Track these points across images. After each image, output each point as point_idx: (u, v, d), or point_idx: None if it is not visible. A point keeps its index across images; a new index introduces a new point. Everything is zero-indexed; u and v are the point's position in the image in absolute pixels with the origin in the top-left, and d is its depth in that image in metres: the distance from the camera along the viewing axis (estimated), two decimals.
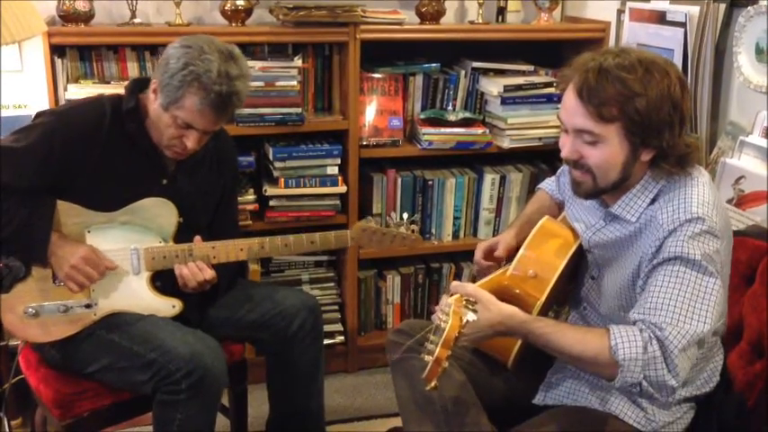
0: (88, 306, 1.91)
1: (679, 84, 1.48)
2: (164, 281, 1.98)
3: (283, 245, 2.02)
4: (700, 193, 1.51)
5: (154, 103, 1.87)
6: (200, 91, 1.80)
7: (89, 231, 1.90)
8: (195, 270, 1.93)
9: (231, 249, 1.98)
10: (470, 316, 1.44)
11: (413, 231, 2.14)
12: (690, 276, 1.46)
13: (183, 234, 1.97)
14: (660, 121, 1.47)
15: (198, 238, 1.97)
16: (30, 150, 1.83)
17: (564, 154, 1.58)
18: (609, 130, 1.49)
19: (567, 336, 1.51)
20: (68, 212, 1.88)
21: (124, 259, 1.93)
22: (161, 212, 1.95)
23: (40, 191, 1.85)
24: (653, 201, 1.56)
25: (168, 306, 1.96)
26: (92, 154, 1.87)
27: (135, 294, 1.94)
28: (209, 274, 1.95)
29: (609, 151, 1.51)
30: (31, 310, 1.88)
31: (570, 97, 1.52)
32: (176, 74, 1.80)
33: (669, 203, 1.52)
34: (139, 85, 1.94)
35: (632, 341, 1.43)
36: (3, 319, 1.90)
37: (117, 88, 2.00)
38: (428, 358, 1.42)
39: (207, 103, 1.81)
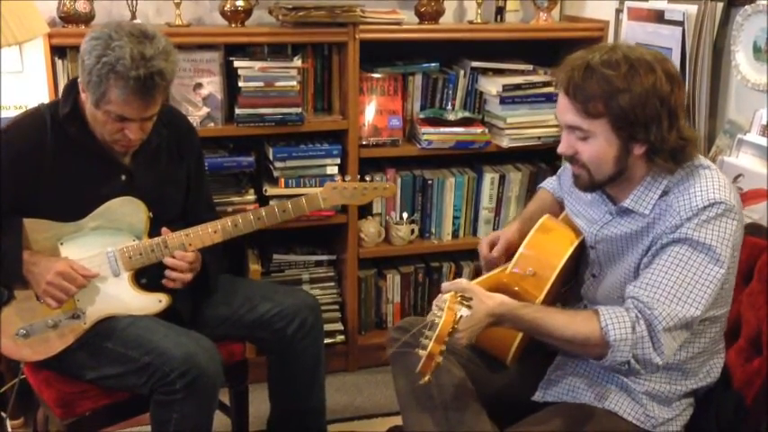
0: (76, 317, 1.90)
1: (667, 79, 1.49)
2: (149, 277, 1.97)
3: (256, 218, 2.01)
4: (714, 178, 1.53)
5: (87, 103, 1.84)
6: (118, 81, 1.74)
7: (62, 243, 1.89)
8: (177, 262, 1.93)
9: (205, 233, 1.97)
10: (464, 311, 1.46)
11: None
12: (695, 260, 1.48)
13: (155, 228, 1.96)
14: (646, 116, 1.49)
15: (165, 229, 1.95)
16: None
17: (559, 149, 1.62)
18: (597, 126, 1.52)
19: (557, 319, 1.54)
20: (37, 228, 1.86)
21: (102, 264, 1.91)
22: (129, 211, 1.93)
23: (3, 212, 1.83)
24: (665, 192, 1.57)
25: (154, 301, 1.96)
26: (43, 165, 1.85)
27: (119, 296, 1.94)
28: (191, 255, 1.95)
29: (599, 146, 1.54)
30: (22, 331, 1.87)
31: (561, 95, 1.57)
32: (92, 69, 1.76)
33: (685, 192, 1.53)
34: (76, 87, 1.88)
35: (621, 322, 1.48)
36: None
37: None
38: (422, 353, 1.43)
39: (129, 91, 1.75)
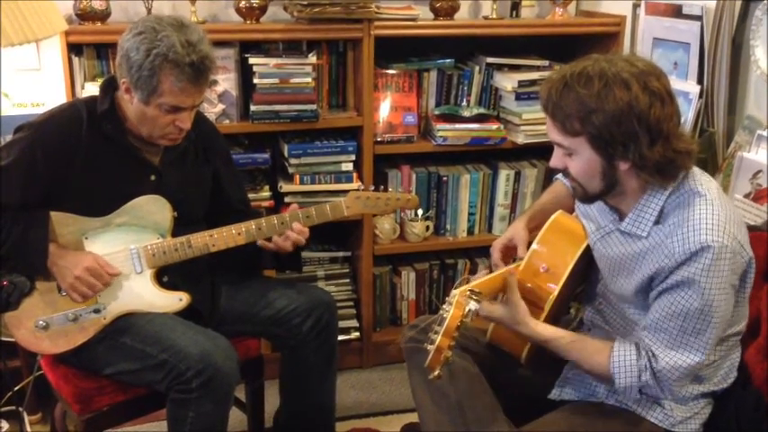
0: (97, 311, 1.91)
1: (645, 95, 1.44)
2: (171, 275, 1.99)
3: (280, 223, 2.01)
4: (708, 215, 1.49)
5: (131, 102, 1.85)
6: (173, 69, 1.76)
7: (86, 238, 1.90)
8: (295, 236, 2.00)
9: (229, 235, 1.98)
10: (472, 305, 1.49)
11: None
12: (695, 310, 1.49)
13: (179, 227, 1.97)
14: (623, 135, 1.45)
15: (294, 206, 2.06)
16: (13, 167, 1.83)
17: (551, 164, 1.62)
18: (578, 143, 1.51)
19: (575, 356, 1.63)
20: (63, 222, 1.88)
21: (125, 260, 1.93)
22: (154, 209, 1.94)
23: (32, 205, 1.85)
24: (661, 213, 1.55)
25: (175, 300, 1.97)
26: (75, 160, 1.86)
27: (141, 293, 1.95)
28: (306, 231, 2.02)
29: (584, 162, 1.53)
30: (41, 323, 1.88)
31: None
32: (143, 64, 1.76)
33: (679, 229, 1.50)
34: (113, 84, 1.90)
35: (629, 370, 1.55)
36: (16, 336, 1.91)
37: None
38: (430, 347, 1.45)
39: (184, 78, 1.78)
